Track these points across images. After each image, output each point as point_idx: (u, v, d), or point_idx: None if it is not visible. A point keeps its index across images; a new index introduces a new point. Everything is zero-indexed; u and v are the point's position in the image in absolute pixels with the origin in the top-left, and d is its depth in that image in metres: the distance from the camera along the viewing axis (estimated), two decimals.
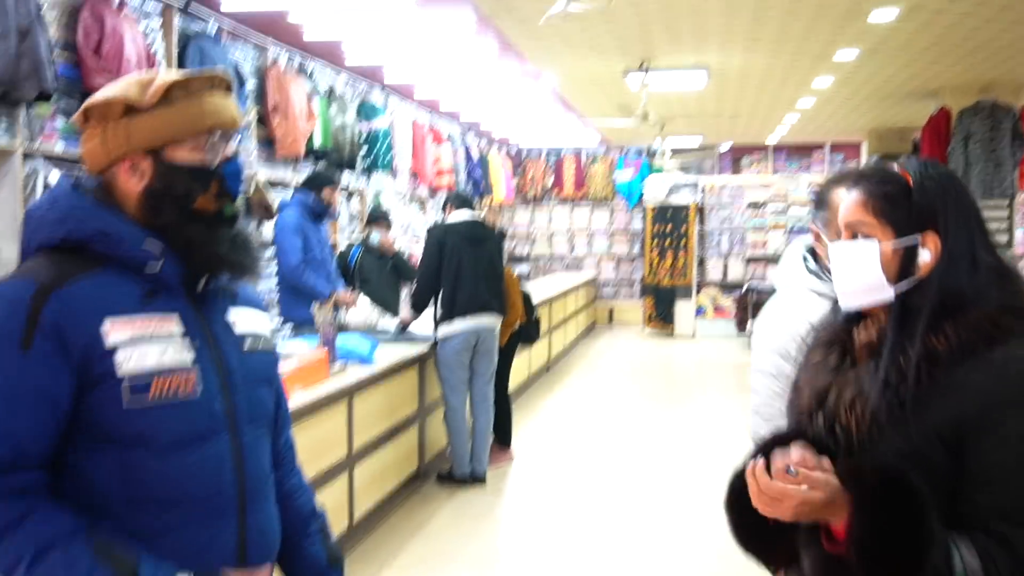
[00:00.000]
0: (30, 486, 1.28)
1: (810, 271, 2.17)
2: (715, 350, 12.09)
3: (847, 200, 1.47)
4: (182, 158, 1.44)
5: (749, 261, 14.61)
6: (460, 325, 5.51)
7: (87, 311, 1.32)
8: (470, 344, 5.58)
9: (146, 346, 1.35)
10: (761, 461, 1.31)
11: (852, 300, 1.45)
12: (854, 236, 1.44)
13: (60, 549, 1.25)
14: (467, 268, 5.56)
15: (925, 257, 1.38)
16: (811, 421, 1.44)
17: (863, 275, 1.41)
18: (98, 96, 1.44)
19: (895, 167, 1.46)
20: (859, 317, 1.49)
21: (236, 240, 1.49)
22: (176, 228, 1.42)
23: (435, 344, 5.58)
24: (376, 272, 6.38)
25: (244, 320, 1.57)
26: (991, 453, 1.27)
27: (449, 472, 5.74)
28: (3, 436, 1.26)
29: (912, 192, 1.40)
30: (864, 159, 13.10)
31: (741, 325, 12.54)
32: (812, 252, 2.18)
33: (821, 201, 2.11)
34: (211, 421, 1.42)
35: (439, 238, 5.63)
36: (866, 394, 1.36)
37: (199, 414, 1.39)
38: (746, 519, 1.44)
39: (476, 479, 5.69)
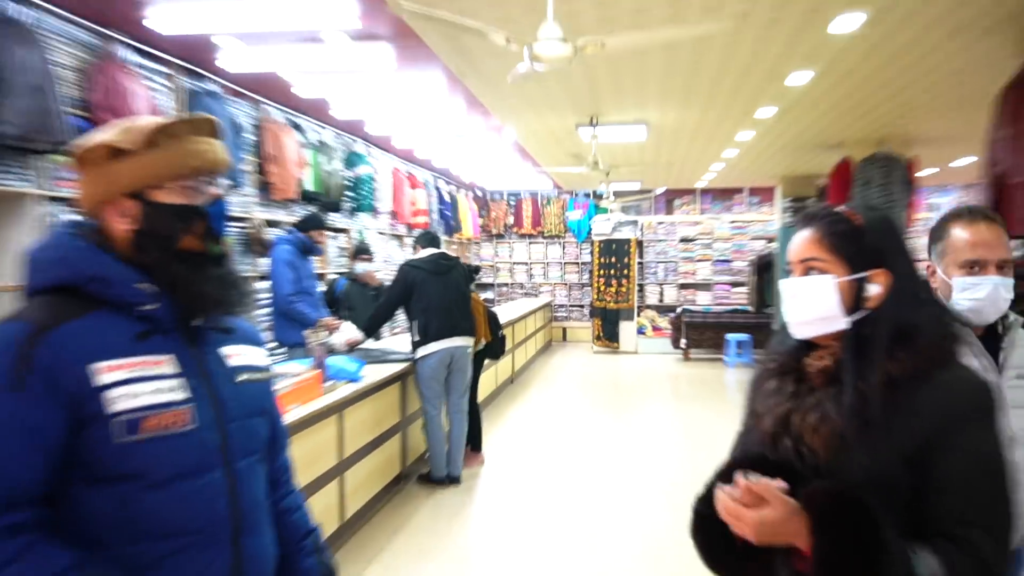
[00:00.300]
0: (26, 524, 1.12)
1: None
2: (654, 363, 12.08)
3: (799, 238, 1.39)
4: (166, 199, 1.29)
5: (682, 287, 14.81)
6: (435, 347, 5.38)
7: (79, 352, 1.17)
8: (445, 363, 5.45)
9: (137, 385, 1.20)
10: (729, 486, 1.23)
11: (806, 330, 1.37)
12: (807, 272, 1.36)
13: None
14: (436, 297, 5.44)
15: (875, 290, 1.32)
16: (775, 445, 1.34)
17: (819, 307, 1.33)
18: (85, 142, 1.28)
19: (842, 209, 1.38)
20: (807, 347, 1.40)
21: (222, 278, 1.34)
22: (162, 267, 1.27)
23: (414, 363, 5.43)
24: (360, 300, 6.25)
25: (239, 354, 1.41)
26: (950, 465, 1.22)
27: (428, 474, 5.62)
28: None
29: (863, 232, 1.34)
30: (777, 202, 13.19)
31: (675, 342, 12.51)
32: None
33: (938, 237, 1.96)
34: (204, 454, 1.27)
35: (405, 274, 5.50)
36: (830, 417, 1.27)
37: (192, 448, 1.24)
38: (713, 543, 1.36)
39: (452, 480, 5.59)
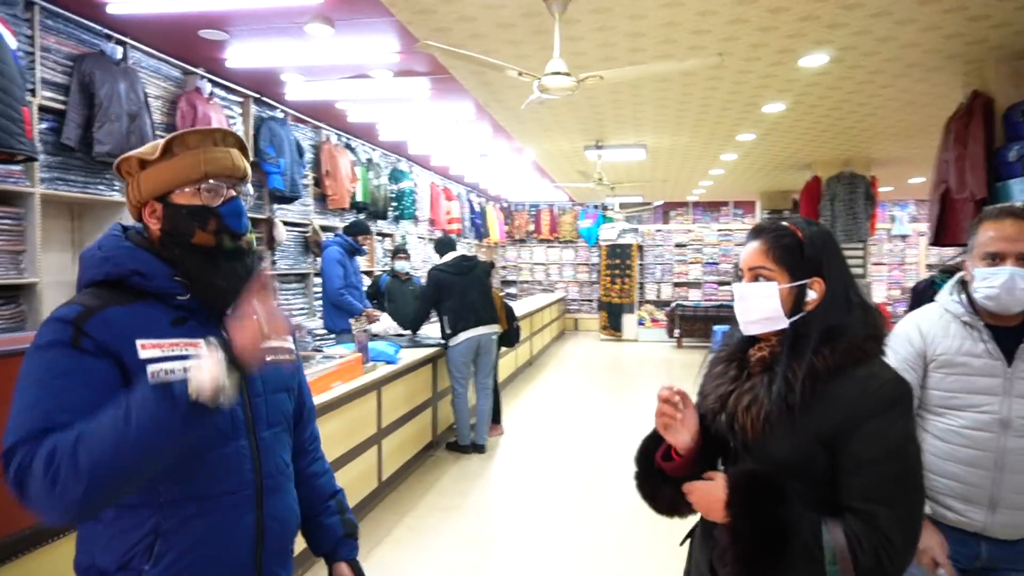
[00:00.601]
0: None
1: (952, 296, 1.86)
2: (652, 350, 11.97)
3: (750, 248, 1.36)
4: (183, 201, 1.27)
5: (676, 285, 14.64)
6: (463, 336, 5.35)
7: (122, 331, 1.17)
8: (472, 349, 5.41)
9: (174, 363, 1.18)
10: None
11: (753, 328, 1.35)
12: (756, 278, 1.34)
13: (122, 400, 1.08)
14: (461, 294, 5.38)
15: (812, 296, 1.30)
16: (714, 420, 1.35)
17: (764, 309, 1.31)
18: (124, 156, 1.29)
19: (785, 223, 1.35)
20: (753, 340, 1.38)
21: (235, 271, 1.29)
22: (179, 261, 1.25)
23: (445, 349, 5.41)
24: (399, 293, 6.24)
25: None
26: (857, 448, 1.20)
27: (455, 442, 5.59)
28: (63, 406, 1.09)
29: (803, 245, 1.31)
30: (757, 213, 13.03)
31: (670, 332, 12.44)
32: (962, 283, 1.86)
33: (971, 235, 1.82)
34: (232, 424, 1.25)
35: (435, 278, 5.42)
36: (760, 400, 1.27)
37: (221, 419, 1.21)
38: (645, 472, 1.45)
39: (477, 448, 5.55)
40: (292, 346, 1.47)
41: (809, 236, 1.32)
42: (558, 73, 3.34)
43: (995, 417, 1.74)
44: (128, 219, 3.36)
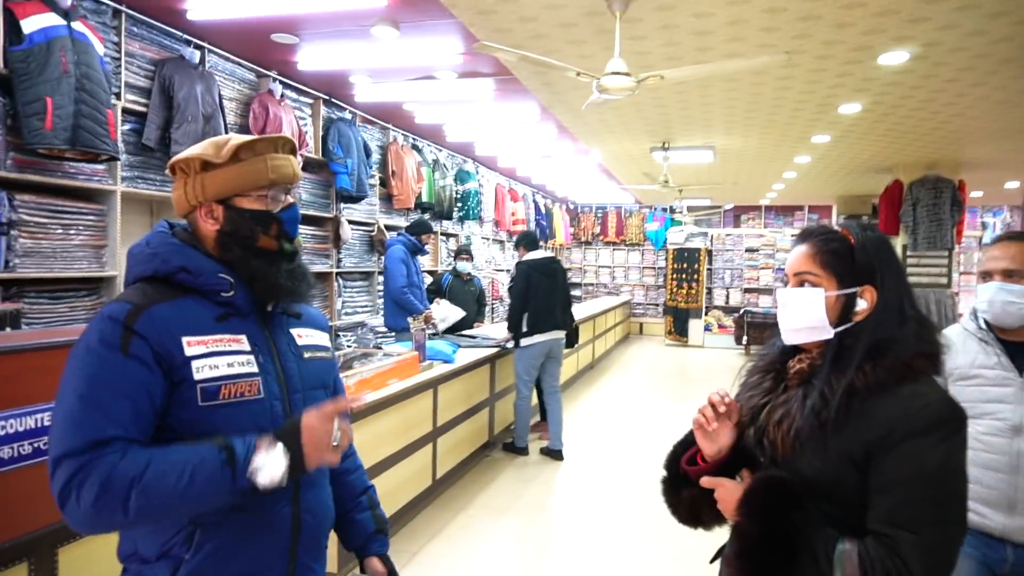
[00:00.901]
0: (129, 444, 1.15)
1: (970, 315, 2.00)
2: (718, 357, 11.67)
3: (797, 252, 1.28)
4: (247, 205, 1.30)
5: (745, 291, 14.22)
6: (538, 339, 5.29)
7: (169, 328, 1.19)
8: (544, 352, 5.37)
9: (217, 358, 1.22)
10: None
11: (795, 337, 1.27)
12: (801, 284, 1.25)
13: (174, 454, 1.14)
14: (545, 296, 5.32)
15: (862, 305, 1.22)
16: (743, 434, 1.29)
17: (808, 317, 1.23)
18: (182, 155, 1.30)
19: (837, 227, 1.27)
20: (794, 351, 1.30)
21: (293, 272, 1.35)
22: (242, 262, 1.29)
23: (515, 348, 5.34)
24: (460, 292, 6.27)
25: (306, 336, 1.42)
26: (887, 467, 1.12)
27: (512, 443, 5.54)
28: (111, 418, 1.12)
29: (855, 250, 1.22)
30: (834, 218, 12.49)
31: (738, 339, 12.09)
32: None
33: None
34: (271, 419, 1.27)
35: (526, 273, 5.34)
36: (792, 415, 1.19)
37: (261, 413, 1.25)
38: (671, 478, 1.42)
39: (554, 455, 5.41)
40: (327, 343, 1.49)
41: (862, 241, 1.24)
42: (617, 73, 3.28)
43: (1009, 423, 1.86)
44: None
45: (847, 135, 6.51)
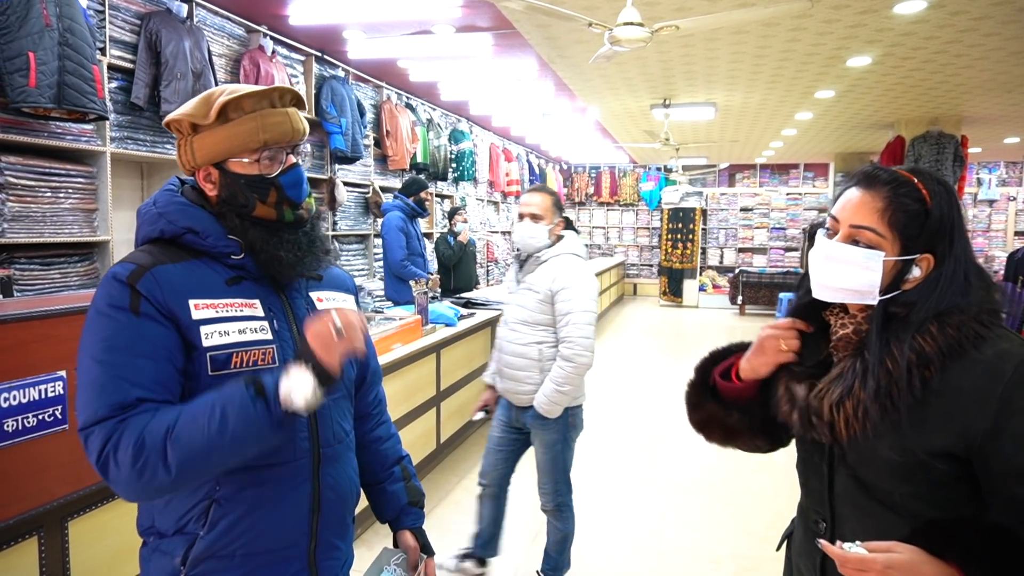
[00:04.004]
0: (156, 405, 1.08)
1: None
2: (712, 317, 11.68)
3: (858, 199, 1.07)
4: (241, 170, 1.18)
5: (739, 251, 14.23)
6: None
7: (176, 289, 1.11)
8: None
9: (228, 324, 1.13)
10: (839, 545, 0.96)
11: (830, 295, 1.09)
12: (852, 238, 1.06)
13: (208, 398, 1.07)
14: None
15: (915, 273, 1.04)
16: (791, 416, 1.12)
17: (859, 280, 1.05)
18: (173, 115, 1.19)
19: (908, 176, 1.06)
20: (820, 305, 1.14)
21: (299, 242, 1.22)
22: (241, 232, 1.18)
23: None
24: (466, 256, 6.14)
25: (327, 299, 1.31)
26: (1009, 452, 0.95)
27: None
28: (132, 381, 1.05)
29: (929, 211, 1.03)
30: (831, 177, 12.40)
31: (732, 299, 12.12)
32: None
33: None
34: None
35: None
36: (856, 394, 1.02)
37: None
38: (700, 382, 1.29)
39: None
40: (352, 306, 1.39)
41: (937, 202, 1.04)
42: (631, 24, 3.14)
43: None
44: None
45: (852, 89, 6.39)
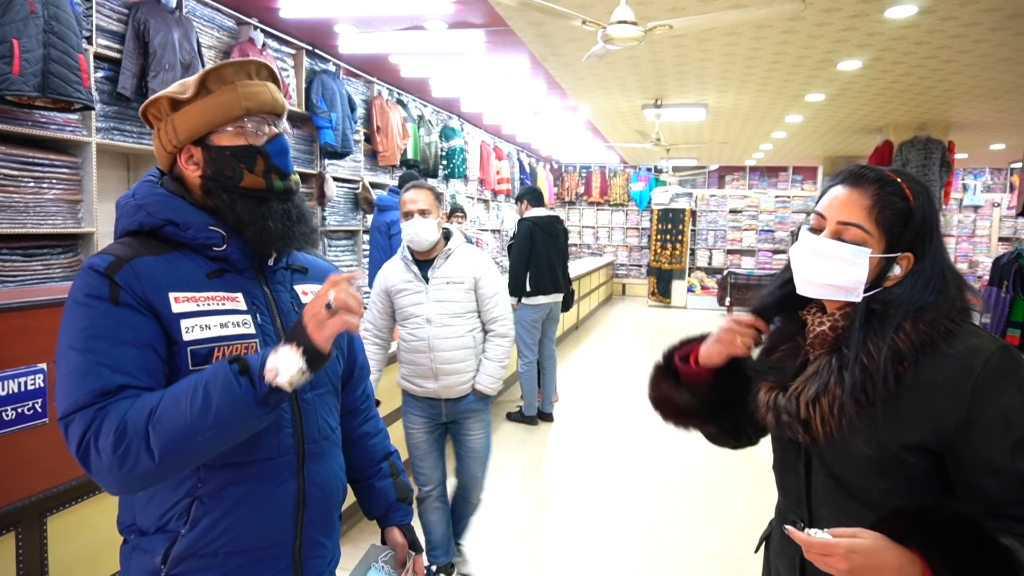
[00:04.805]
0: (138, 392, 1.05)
1: None
2: (700, 318, 11.70)
3: (845, 196, 1.08)
4: (226, 142, 1.15)
5: (728, 252, 14.26)
6: (541, 300, 5.19)
7: (155, 282, 1.08)
8: (545, 314, 5.27)
9: (209, 317, 1.10)
10: (812, 532, 0.96)
11: (815, 291, 1.10)
12: (839, 234, 1.07)
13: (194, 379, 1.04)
14: (548, 256, 5.18)
15: (896, 271, 1.06)
16: (770, 414, 1.14)
17: (844, 276, 1.06)
18: (150, 99, 1.17)
19: (892, 176, 1.09)
20: (800, 302, 1.15)
21: (287, 212, 1.20)
22: (228, 207, 1.15)
23: (517, 306, 5.22)
24: None
25: (313, 292, 1.29)
26: (979, 447, 0.98)
27: (519, 413, 5.41)
28: (114, 368, 1.02)
29: (912, 211, 1.06)
30: (819, 180, 12.46)
31: (721, 300, 12.17)
32: None
33: None
34: None
35: (529, 230, 5.15)
36: (832, 391, 1.04)
37: None
38: (664, 367, 1.36)
39: (546, 418, 5.39)
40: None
41: (920, 203, 1.07)
42: (624, 22, 3.13)
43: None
44: None
45: (842, 93, 6.42)
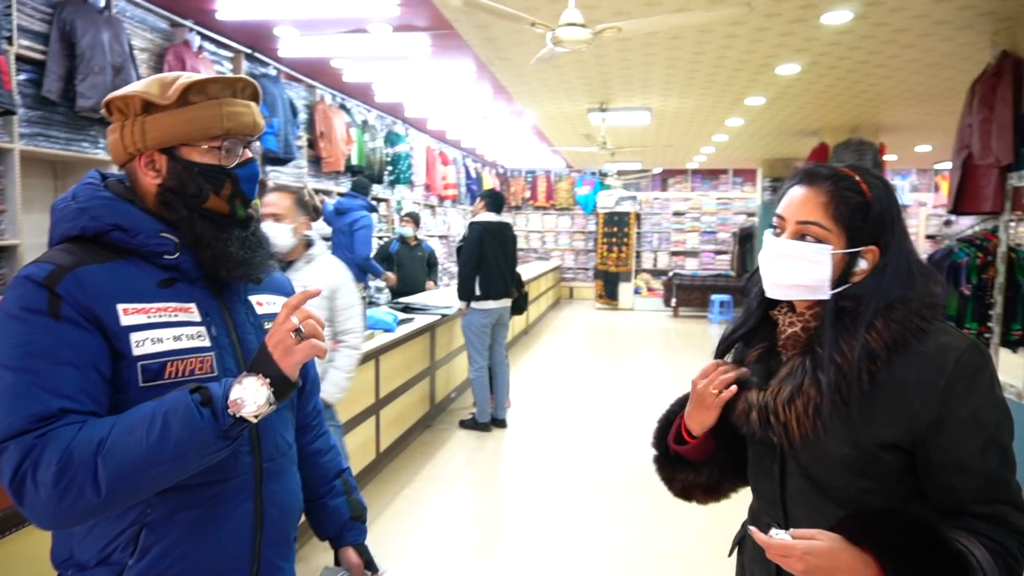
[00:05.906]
0: (82, 418, 0.97)
1: None
2: (648, 319, 11.88)
3: (801, 196, 1.08)
4: (196, 158, 1.09)
5: (673, 254, 14.56)
6: (490, 305, 5.14)
7: (101, 293, 0.99)
8: (494, 319, 5.23)
9: (160, 330, 1.02)
10: (773, 533, 0.97)
11: (783, 292, 1.10)
12: (801, 234, 1.07)
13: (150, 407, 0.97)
14: (496, 261, 5.14)
15: (861, 266, 1.06)
16: (745, 418, 1.12)
17: (809, 275, 1.06)
18: (120, 92, 1.08)
19: (848, 172, 1.09)
20: (770, 305, 1.15)
21: (247, 240, 1.14)
22: (187, 224, 1.08)
23: (465, 311, 5.18)
24: (408, 258, 6.08)
25: (268, 303, 1.22)
26: (949, 444, 0.99)
27: (472, 420, 5.33)
28: (53, 391, 0.93)
29: (870, 204, 1.06)
30: (758, 182, 12.82)
31: (666, 301, 12.40)
32: None
33: None
34: None
35: (479, 234, 5.09)
36: (806, 391, 1.03)
37: None
38: (663, 456, 1.32)
39: (498, 424, 5.34)
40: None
41: (876, 195, 1.07)
42: (573, 24, 3.13)
43: None
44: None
45: (781, 97, 6.61)
